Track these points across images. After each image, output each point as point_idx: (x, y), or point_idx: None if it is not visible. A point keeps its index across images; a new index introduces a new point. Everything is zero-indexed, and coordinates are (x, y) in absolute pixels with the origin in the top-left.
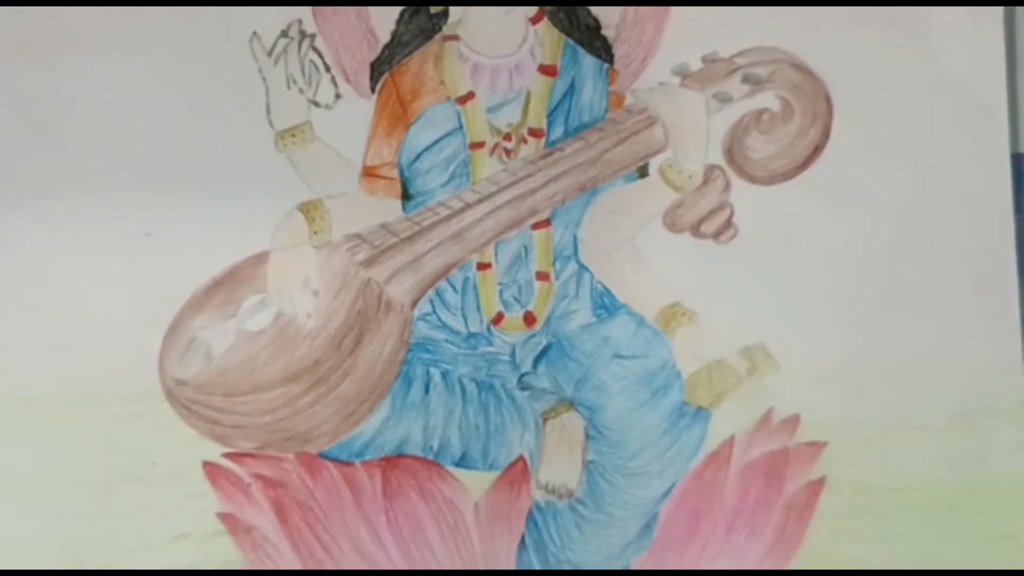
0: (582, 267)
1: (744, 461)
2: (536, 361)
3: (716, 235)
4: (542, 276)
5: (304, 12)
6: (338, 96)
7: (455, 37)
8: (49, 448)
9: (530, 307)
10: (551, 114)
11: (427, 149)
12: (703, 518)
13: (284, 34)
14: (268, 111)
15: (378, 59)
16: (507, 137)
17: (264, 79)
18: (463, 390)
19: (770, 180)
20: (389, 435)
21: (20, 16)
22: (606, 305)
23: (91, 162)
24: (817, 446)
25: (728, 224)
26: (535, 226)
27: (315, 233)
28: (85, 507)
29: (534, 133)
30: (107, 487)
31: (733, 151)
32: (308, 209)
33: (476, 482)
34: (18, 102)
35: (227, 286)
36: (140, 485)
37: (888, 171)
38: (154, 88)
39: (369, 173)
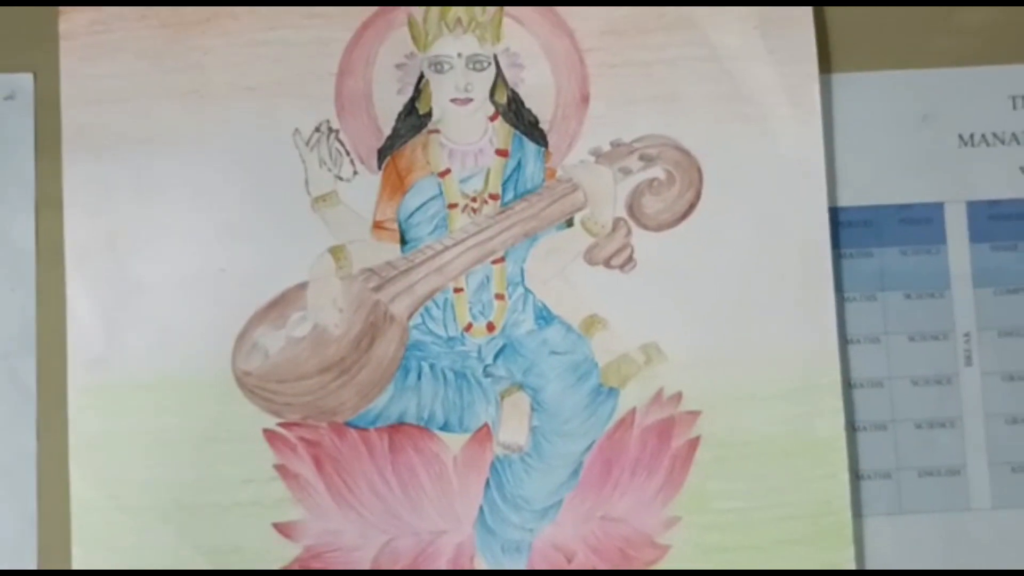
0: (527, 290)
1: (643, 425)
2: (496, 357)
3: (621, 266)
4: (499, 297)
5: (330, 114)
6: (355, 173)
7: (437, 131)
8: (156, 418)
9: (491, 319)
10: (504, 184)
11: (418, 209)
12: (614, 465)
13: (317, 130)
14: (306, 184)
15: (383, 147)
16: (474, 200)
17: (303, 161)
18: (444, 377)
19: (659, 228)
20: (393, 409)
21: (131, 115)
22: (544, 317)
23: (181, 220)
24: (694, 414)
25: (630, 259)
26: (494, 261)
27: (340, 268)
28: (180, 458)
29: (493, 197)
30: (196, 445)
31: (633, 208)
32: (335, 251)
33: (455, 442)
34: (133, 180)
35: (279, 306)
36: (219, 444)
37: (742, 220)
38: (224, 168)
39: (378, 226)
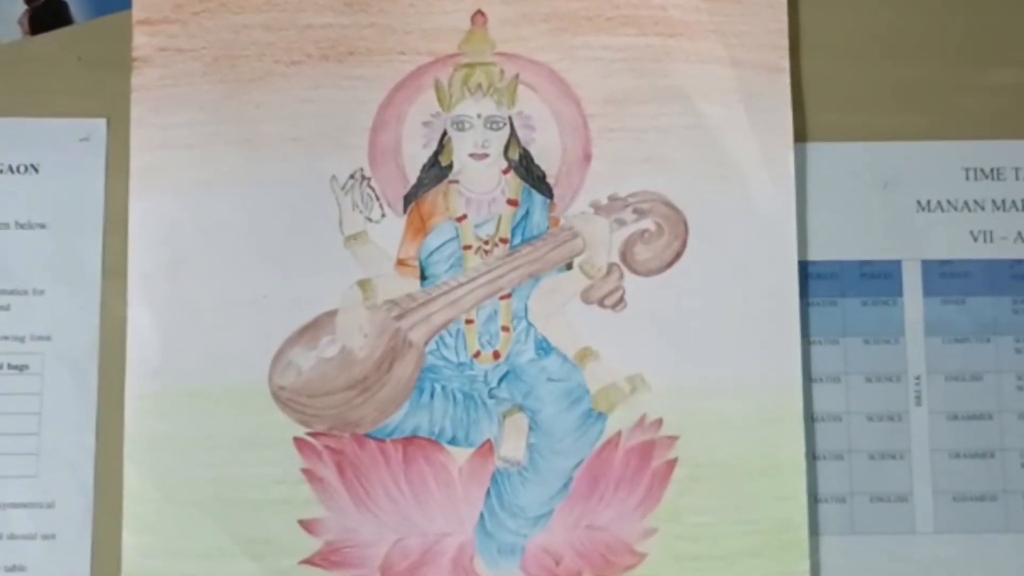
0: (530, 324)
1: (627, 447)
2: (500, 381)
3: (613, 306)
4: (505, 329)
5: (364, 163)
6: (383, 215)
7: (456, 181)
8: (201, 423)
9: (497, 348)
10: (513, 230)
11: (436, 249)
12: (600, 481)
13: (351, 177)
14: (340, 224)
15: (408, 193)
16: (486, 243)
17: (338, 204)
18: (454, 398)
19: (648, 273)
20: (408, 424)
21: (191, 158)
22: (544, 348)
23: (230, 251)
24: (672, 438)
25: (621, 299)
26: (502, 298)
27: (366, 299)
28: (221, 459)
29: (503, 241)
30: (235, 448)
31: (625, 255)
32: (363, 284)
33: (461, 455)
34: (191, 216)
35: (312, 330)
36: (255, 448)
37: (721, 270)
38: (269, 207)
39: (401, 263)
